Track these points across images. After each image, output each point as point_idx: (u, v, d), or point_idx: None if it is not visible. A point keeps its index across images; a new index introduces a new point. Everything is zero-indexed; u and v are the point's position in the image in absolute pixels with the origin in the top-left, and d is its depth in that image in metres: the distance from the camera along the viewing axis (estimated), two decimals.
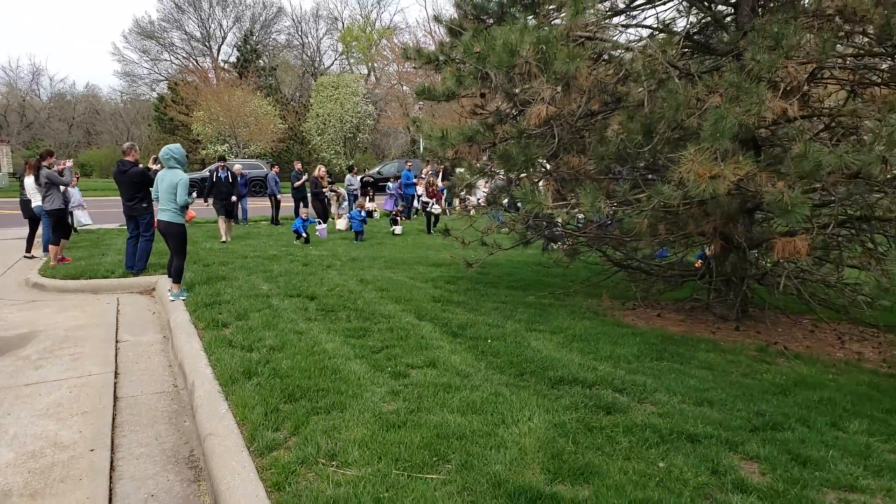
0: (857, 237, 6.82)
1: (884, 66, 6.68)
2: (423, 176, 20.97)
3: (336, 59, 58.42)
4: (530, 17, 7.74)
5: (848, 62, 6.34)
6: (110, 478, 3.52)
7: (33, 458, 3.73)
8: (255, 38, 52.12)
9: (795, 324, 7.41)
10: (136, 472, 3.62)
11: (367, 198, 20.56)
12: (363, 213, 14.59)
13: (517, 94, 6.12)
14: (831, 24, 5.54)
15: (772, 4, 6.83)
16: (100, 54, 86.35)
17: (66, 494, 3.34)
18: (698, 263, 8.71)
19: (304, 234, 13.01)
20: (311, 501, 2.91)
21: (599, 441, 3.70)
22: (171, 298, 7.23)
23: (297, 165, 16.96)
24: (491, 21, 7.81)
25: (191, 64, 53.78)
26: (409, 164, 21.68)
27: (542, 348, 5.67)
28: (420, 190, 15.61)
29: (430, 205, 15.85)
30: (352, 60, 57.10)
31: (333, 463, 3.30)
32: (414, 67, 9.92)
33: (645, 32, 7.66)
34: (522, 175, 7.34)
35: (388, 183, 21.02)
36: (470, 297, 7.85)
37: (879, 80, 6.60)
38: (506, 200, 7.98)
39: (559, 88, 5.59)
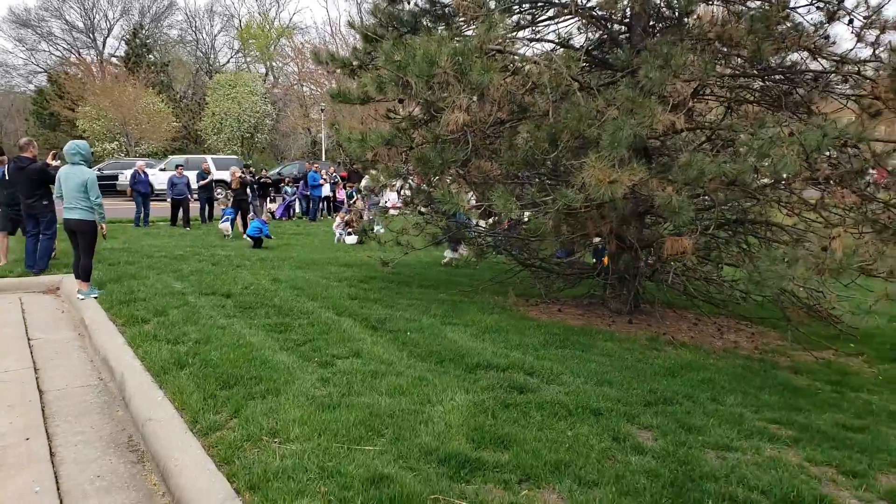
0: (733, 238, 7.66)
1: (755, 86, 7.58)
2: (325, 177, 20.89)
3: (232, 58, 56.91)
4: (441, 26, 8.15)
5: (725, 81, 7.16)
6: (52, 462, 3.57)
7: None
8: (144, 31, 49.82)
9: (681, 317, 8.16)
10: (77, 457, 3.69)
11: (269, 199, 20.27)
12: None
13: (435, 101, 6.46)
14: (712, 47, 6.27)
15: (660, 26, 7.57)
16: None
17: (11, 479, 3.40)
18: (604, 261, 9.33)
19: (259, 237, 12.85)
20: (261, 471, 3.12)
21: (515, 415, 4.11)
22: (81, 297, 7.08)
23: (204, 165, 16.54)
24: (405, 30, 8.14)
25: (73, 56, 50.64)
26: (315, 165, 21.57)
27: (458, 339, 6.05)
28: (338, 220, 14.97)
29: (347, 233, 14.78)
30: (249, 59, 55.82)
31: (276, 439, 3.53)
32: (328, 71, 10.05)
33: (548, 46, 8.25)
34: (436, 178, 7.71)
35: (286, 187, 20.57)
36: (385, 294, 8.12)
37: (752, 99, 7.49)
38: (421, 202, 8.32)
39: (475, 98, 5.99)
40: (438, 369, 5.04)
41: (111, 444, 3.88)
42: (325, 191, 20.65)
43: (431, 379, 4.69)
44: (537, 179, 7.94)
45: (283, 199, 20.43)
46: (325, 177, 20.81)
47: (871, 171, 6.61)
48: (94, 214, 7.13)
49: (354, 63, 8.53)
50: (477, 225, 9.75)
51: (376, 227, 9.61)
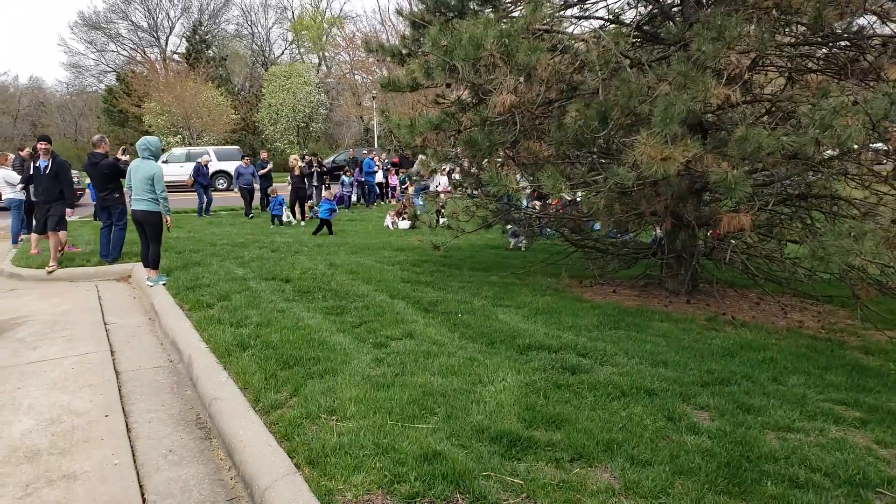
0: (796, 214, 7.37)
1: (819, 54, 7.23)
2: (380, 165, 21.01)
3: (286, 49, 57.98)
4: (489, 10, 8.07)
5: (785, 51, 6.85)
6: (129, 437, 3.87)
7: (53, 424, 4.06)
8: (203, 28, 51.22)
9: (742, 297, 7.92)
10: (151, 433, 3.97)
11: (324, 186, 20.52)
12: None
13: (482, 84, 6.44)
14: (769, 16, 6.02)
15: None
16: (42, 46, 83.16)
17: (93, 452, 3.68)
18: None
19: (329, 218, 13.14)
20: (320, 447, 3.27)
21: (567, 396, 4.11)
22: (150, 284, 7.48)
23: (263, 154, 16.93)
24: (452, 15, 8.11)
25: (138, 55, 52.56)
26: (373, 153, 21.71)
27: (509, 321, 6.06)
28: (389, 218, 14.97)
29: (401, 218, 14.81)
30: (302, 50, 56.71)
31: (334, 417, 3.67)
32: (378, 60, 10.15)
33: (597, 24, 8.08)
34: (485, 160, 7.70)
35: (343, 177, 20.44)
36: (437, 277, 8.19)
37: (815, 67, 7.15)
38: (471, 185, 8.33)
39: (521, 79, 5.94)
40: (490, 350, 5.08)
41: (181, 421, 4.14)
42: (379, 177, 20.82)
43: (483, 360, 4.73)
44: (589, 158, 7.83)
45: (340, 187, 20.36)
46: (378, 163, 20.95)
47: None
48: (159, 206, 7.47)
49: (403, 51, 8.57)
50: (528, 207, 9.72)
51: (420, 211, 9.70)
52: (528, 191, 8.30)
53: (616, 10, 8.08)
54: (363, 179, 20.10)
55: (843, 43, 6.69)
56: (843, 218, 6.52)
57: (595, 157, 7.67)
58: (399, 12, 9.23)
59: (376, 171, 20.38)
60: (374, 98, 37.20)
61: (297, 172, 15.44)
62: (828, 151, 5.86)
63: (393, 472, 3.04)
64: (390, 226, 14.62)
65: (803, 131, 5.21)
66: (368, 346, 5.09)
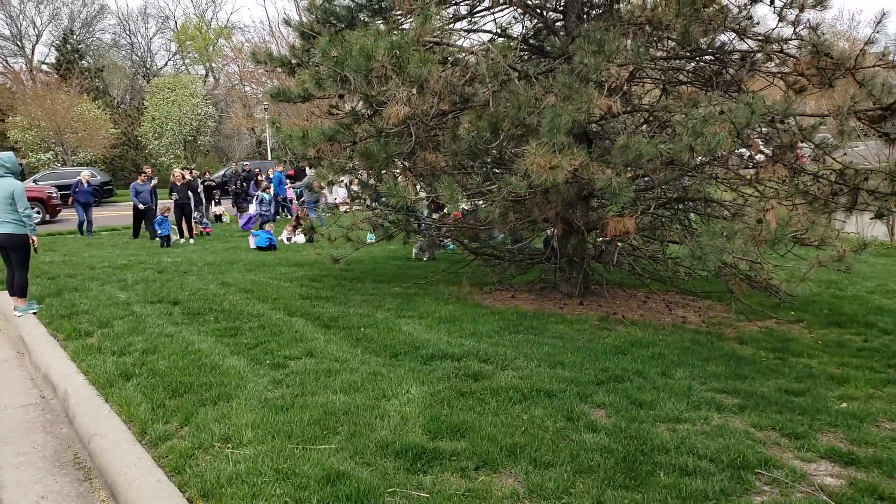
0: (675, 216, 7.87)
1: (689, 68, 7.78)
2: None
3: (170, 60, 55.40)
4: (379, 21, 8.10)
5: (659, 64, 7.32)
6: None
7: None
8: (76, 37, 47.98)
9: (631, 296, 8.34)
10: (19, 479, 3.58)
11: (213, 202, 19.71)
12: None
13: (374, 95, 6.44)
14: (643, 31, 6.40)
15: (593, 13, 7.69)
16: None
17: None
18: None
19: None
20: (214, 479, 3.10)
21: (471, 403, 4.16)
22: (18, 314, 6.82)
23: (147, 170, 16.04)
24: (342, 26, 8.07)
25: (0, 65, 48.47)
26: (279, 166, 20.90)
27: (413, 331, 6.06)
28: (286, 233, 14.51)
29: (296, 233, 14.47)
30: (187, 61, 54.48)
31: (229, 445, 3.50)
32: (267, 70, 9.90)
33: (486, 37, 8.30)
34: (383, 172, 7.69)
35: (262, 194, 18.10)
36: (338, 292, 8.07)
37: (686, 80, 7.69)
38: (369, 197, 8.29)
39: (414, 90, 5.99)
40: (393, 363, 5.05)
41: (56, 464, 3.78)
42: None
43: (386, 373, 4.70)
44: (483, 169, 8.00)
45: (259, 206, 18.49)
46: (263, 176, 20.29)
47: (801, 145, 6.88)
48: (24, 227, 6.85)
49: (293, 61, 8.43)
50: (428, 216, 9.80)
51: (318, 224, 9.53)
52: (427, 202, 8.35)
53: (503, 24, 8.35)
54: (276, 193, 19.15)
55: (708, 57, 7.22)
56: (715, 219, 7.02)
57: (489, 167, 7.85)
58: (287, 22, 9.06)
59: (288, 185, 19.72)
60: (265, 109, 36.23)
61: (179, 184, 14.77)
62: (700, 157, 6.28)
63: (294, 498, 2.93)
64: (286, 241, 14.26)
65: (678, 139, 5.56)
66: (265, 367, 4.91)
